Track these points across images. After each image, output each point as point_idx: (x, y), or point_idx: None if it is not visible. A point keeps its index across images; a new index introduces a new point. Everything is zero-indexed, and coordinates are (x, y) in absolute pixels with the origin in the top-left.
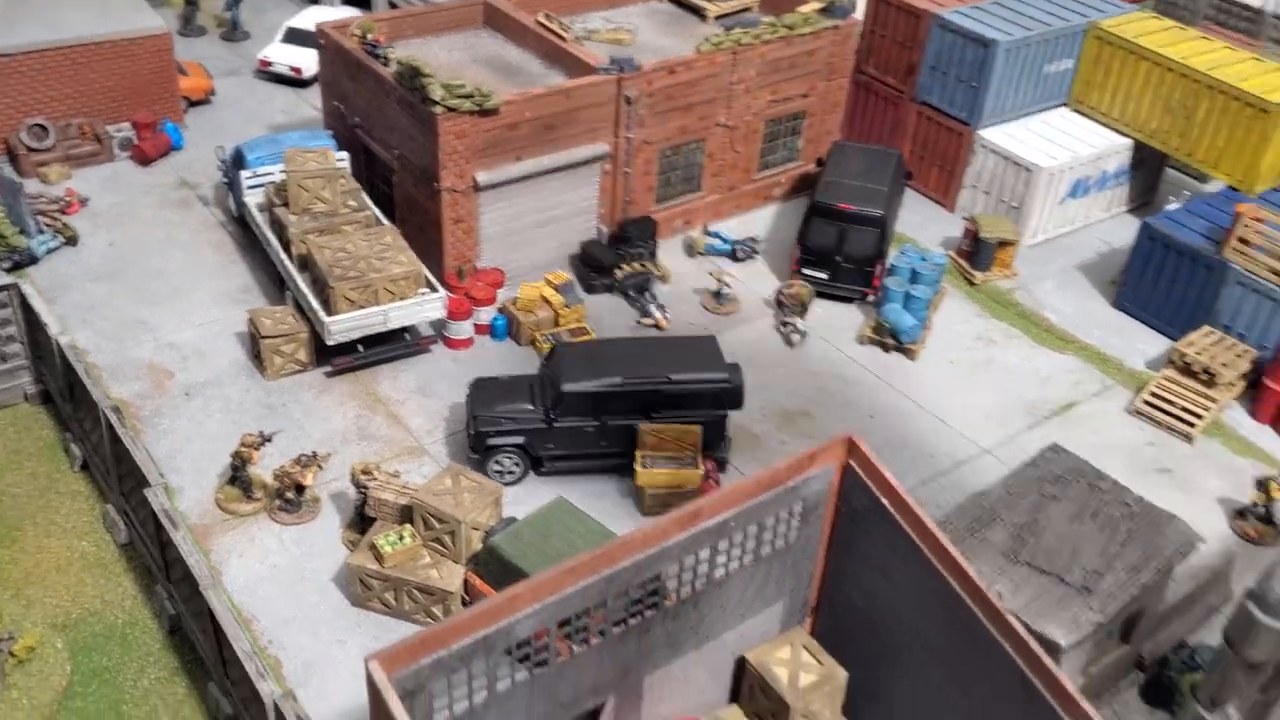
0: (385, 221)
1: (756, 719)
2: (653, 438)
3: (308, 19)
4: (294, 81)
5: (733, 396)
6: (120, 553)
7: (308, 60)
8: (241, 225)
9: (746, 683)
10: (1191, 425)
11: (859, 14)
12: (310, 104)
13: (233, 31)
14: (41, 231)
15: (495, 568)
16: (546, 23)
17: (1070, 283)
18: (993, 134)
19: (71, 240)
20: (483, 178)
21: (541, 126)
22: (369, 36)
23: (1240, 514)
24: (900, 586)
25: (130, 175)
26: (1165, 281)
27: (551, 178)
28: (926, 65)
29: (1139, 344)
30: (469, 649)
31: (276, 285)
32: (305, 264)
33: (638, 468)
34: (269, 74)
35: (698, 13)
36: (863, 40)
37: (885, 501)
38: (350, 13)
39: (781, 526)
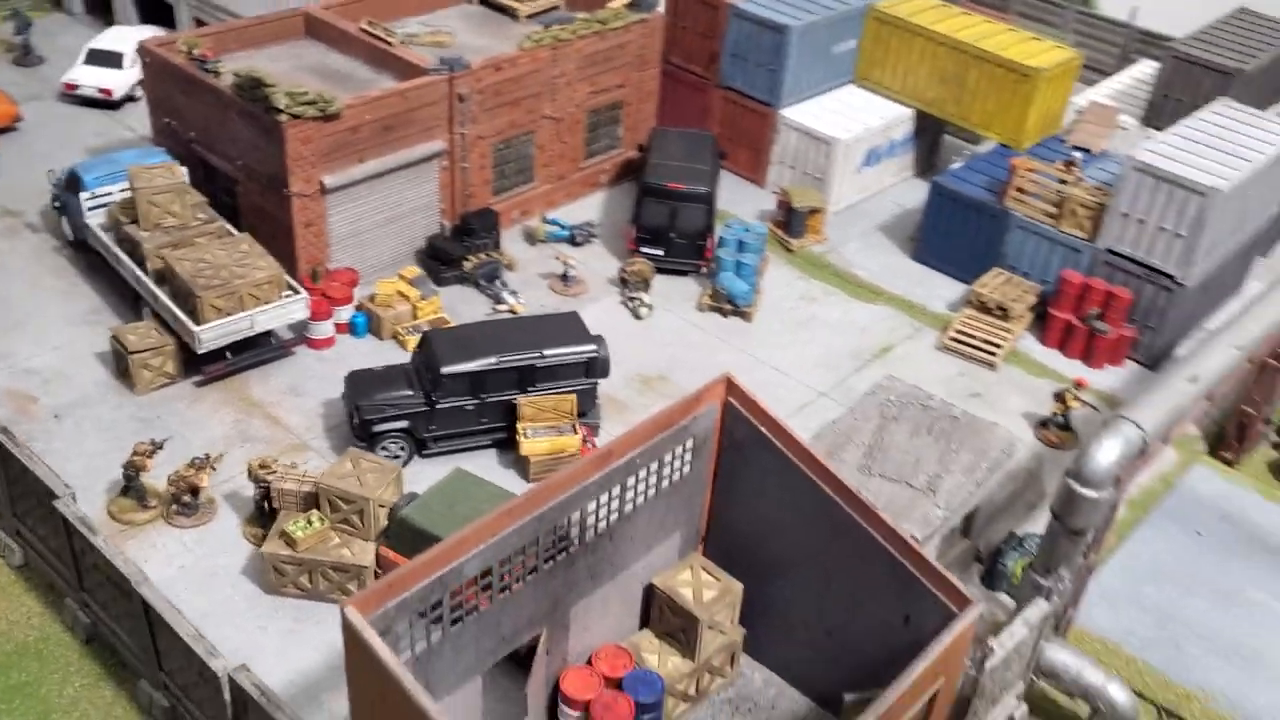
0: (235, 232)
1: (668, 637)
2: (531, 409)
3: (111, 40)
4: (103, 104)
5: (601, 365)
6: (16, 575)
7: (117, 81)
8: (79, 249)
9: (655, 606)
10: (993, 354)
11: (661, 8)
12: (124, 125)
13: (24, 56)
14: None
15: (408, 538)
16: (370, 29)
17: (873, 243)
18: (793, 112)
19: None
20: (329, 181)
21: (381, 128)
22: (195, 52)
23: (1043, 424)
24: (781, 502)
25: None
26: (956, 233)
27: (393, 177)
28: (727, 53)
29: (939, 291)
30: (427, 589)
31: (128, 304)
32: (162, 278)
33: (520, 438)
34: (75, 97)
35: (508, 13)
36: (667, 32)
37: (764, 429)
38: (153, 31)
39: (677, 462)
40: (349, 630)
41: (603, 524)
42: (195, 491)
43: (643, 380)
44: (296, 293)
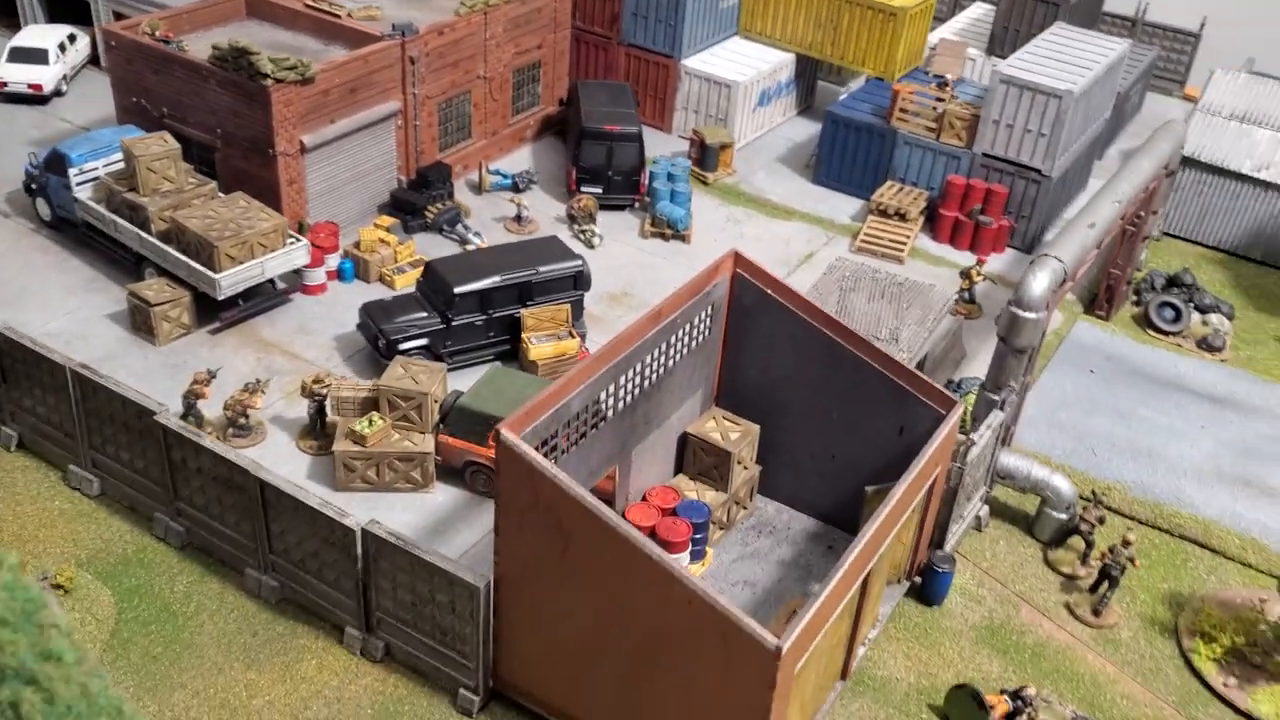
0: (223, 195)
1: (701, 477)
2: (533, 320)
3: (32, 38)
4: (32, 99)
5: (586, 278)
6: (96, 503)
7: (45, 76)
8: (58, 227)
9: (690, 450)
10: (900, 251)
11: None
12: (58, 117)
13: None
14: None
15: (466, 424)
16: (315, 5)
17: (775, 171)
18: (692, 62)
19: None
20: (308, 140)
21: (347, 90)
22: (157, 33)
23: (956, 300)
24: (787, 352)
25: None
26: (850, 155)
27: (358, 135)
28: (628, 12)
29: (841, 207)
30: (551, 416)
31: (126, 270)
32: (168, 238)
33: (527, 345)
34: (5, 94)
35: None
36: None
37: (770, 291)
38: (66, 29)
39: (702, 325)
40: (504, 449)
41: (656, 375)
42: (247, 414)
43: (610, 297)
44: (298, 240)
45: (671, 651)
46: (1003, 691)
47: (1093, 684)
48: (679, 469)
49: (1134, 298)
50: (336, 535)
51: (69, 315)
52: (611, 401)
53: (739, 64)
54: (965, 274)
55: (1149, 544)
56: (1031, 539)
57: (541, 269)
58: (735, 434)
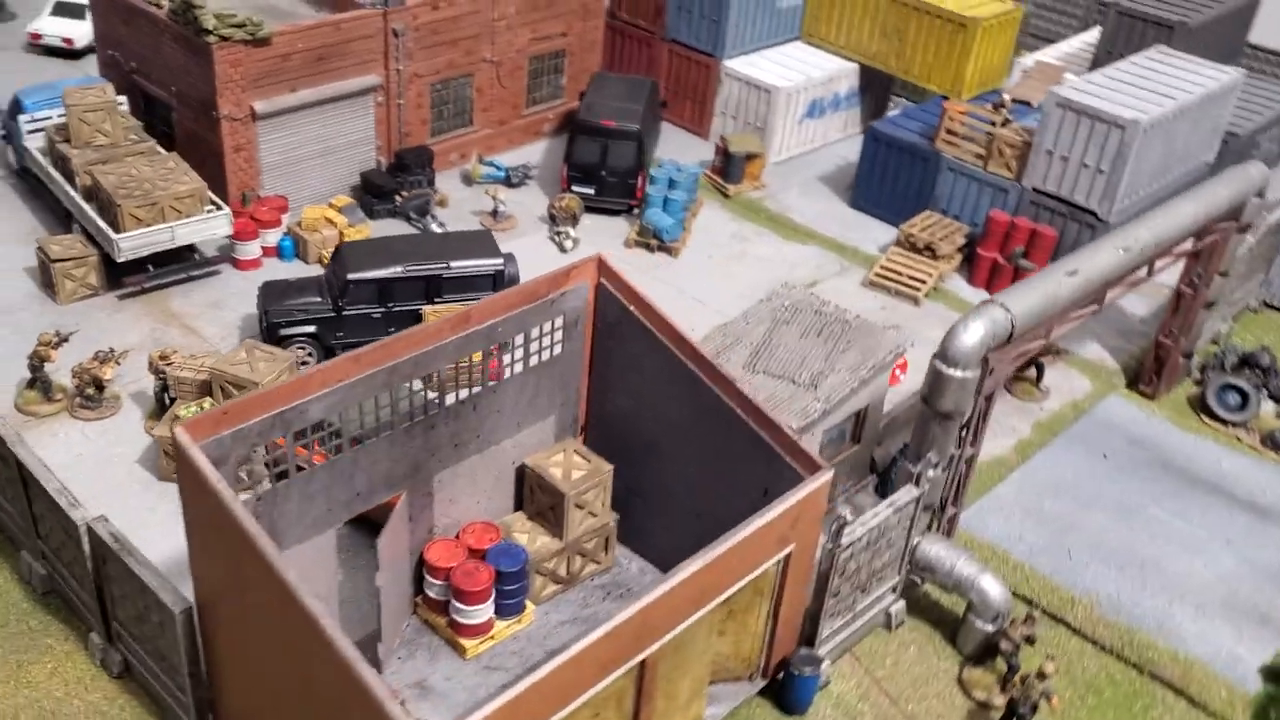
0: (164, 152)
1: (539, 518)
2: (436, 320)
3: None
4: (66, 53)
5: (509, 280)
6: None
7: (79, 31)
8: (23, 176)
9: (527, 485)
10: (917, 290)
11: None
12: (84, 72)
13: None
14: None
15: None
16: None
17: (812, 191)
18: (736, 64)
19: None
20: (260, 107)
21: (314, 58)
22: None
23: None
24: (652, 383)
25: None
26: (890, 177)
27: (328, 108)
28: (673, 5)
29: (872, 234)
30: (267, 424)
31: (63, 224)
32: (90, 194)
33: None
34: (40, 47)
35: None
36: None
37: (633, 309)
38: None
39: (546, 339)
40: (181, 455)
41: (467, 391)
42: (100, 385)
43: None
44: (220, 208)
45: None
46: None
47: None
48: (520, 505)
49: (1196, 375)
50: (72, 527)
51: None
52: (385, 415)
53: (787, 69)
54: None
55: (1106, 678)
56: (954, 649)
57: (454, 264)
58: (580, 472)
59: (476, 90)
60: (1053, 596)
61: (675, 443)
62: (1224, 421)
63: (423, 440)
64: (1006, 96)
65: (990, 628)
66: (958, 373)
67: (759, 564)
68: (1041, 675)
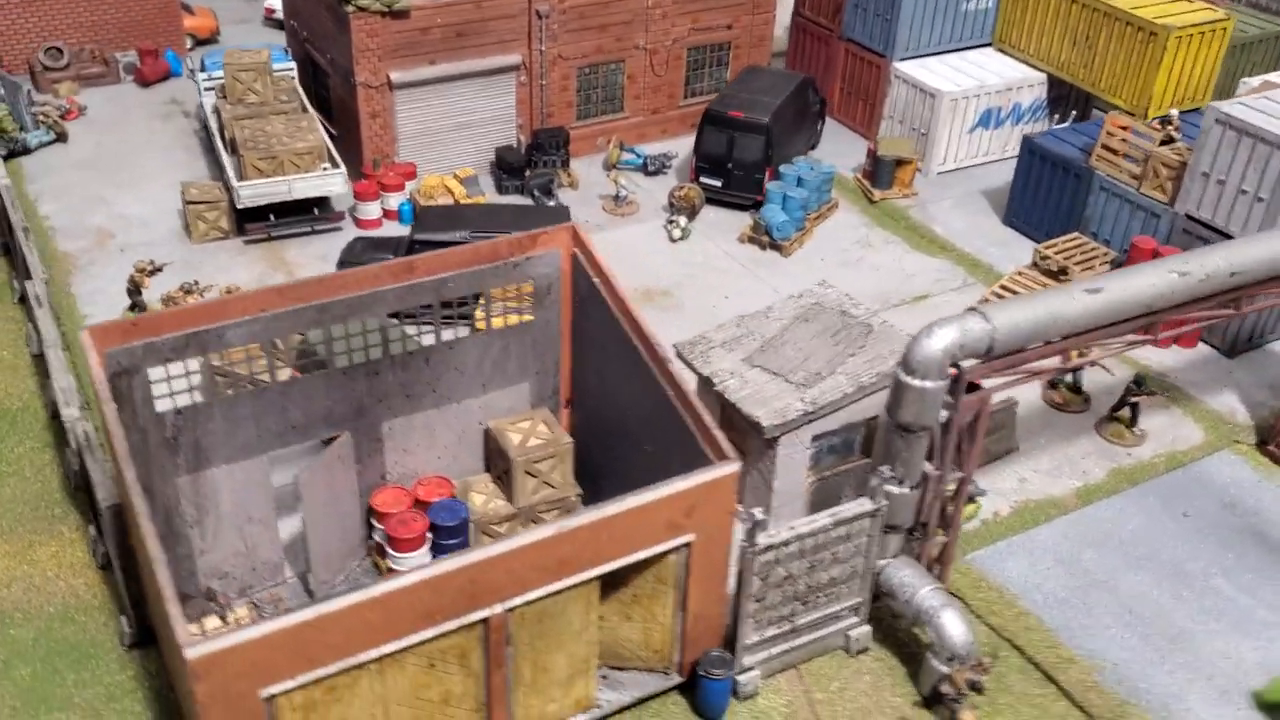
0: (311, 110)
1: (499, 482)
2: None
3: None
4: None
5: None
6: (33, 363)
7: None
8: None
9: (488, 447)
10: None
11: None
12: None
13: None
14: (37, 127)
15: None
16: None
17: (969, 203)
18: (907, 66)
19: (62, 137)
20: (396, 76)
21: (453, 34)
22: None
23: (1052, 385)
24: (615, 364)
25: (130, 94)
26: (1043, 193)
27: (466, 83)
28: (851, 3)
29: (1017, 254)
30: (181, 341)
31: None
32: (233, 146)
33: (476, 315)
34: (274, 20)
35: None
36: None
37: (598, 283)
38: None
39: (512, 303)
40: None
41: (416, 341)
42: (138, 289)
43: (644, 292)
44: (336, 166)
45: None
46: None
47: None
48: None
49: None
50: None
51: (152, 203)
52: (323, 353)
53: (961, 75)
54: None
55: None
56: (915, 687)
57: (516, 234)
58: (537, 441)
59: (628, 77)
60: (1049, 653)
61: (632, 424)
62: None
63: (366, 385)
64: (1175, 112)
65: (945, 669)
66: (916, 381)
67: (641, 548)
68: None
